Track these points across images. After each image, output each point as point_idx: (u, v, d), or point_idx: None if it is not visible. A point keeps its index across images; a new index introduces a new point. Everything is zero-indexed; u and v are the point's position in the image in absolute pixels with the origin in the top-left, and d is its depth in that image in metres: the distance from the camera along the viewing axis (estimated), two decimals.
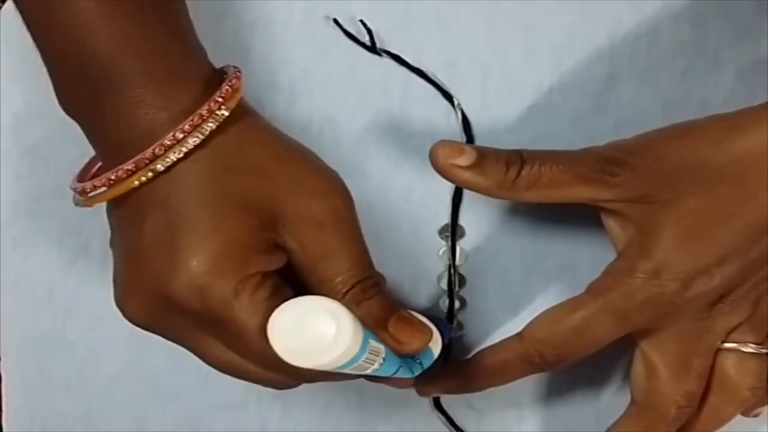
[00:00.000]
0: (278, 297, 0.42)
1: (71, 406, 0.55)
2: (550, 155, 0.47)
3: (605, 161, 0.46)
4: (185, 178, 0.42)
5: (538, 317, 0.48)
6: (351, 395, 0.54)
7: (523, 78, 0.51)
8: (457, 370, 0.50)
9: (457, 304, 0.52)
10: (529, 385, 0.53)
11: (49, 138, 0.54)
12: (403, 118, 0.52)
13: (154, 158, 0.42)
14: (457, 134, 0.52)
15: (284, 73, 0.52)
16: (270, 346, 0.38)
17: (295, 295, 0.39)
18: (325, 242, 0.44)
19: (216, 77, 0.44)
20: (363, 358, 0.40)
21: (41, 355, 0.55)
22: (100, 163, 0.47)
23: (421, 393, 0.52)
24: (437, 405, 0.54)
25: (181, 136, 0.42)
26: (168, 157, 0.42)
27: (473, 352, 0.50)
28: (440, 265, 0.52)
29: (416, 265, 0.52)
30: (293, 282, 0.45)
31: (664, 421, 0.48)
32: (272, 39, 0.52)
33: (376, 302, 0.45)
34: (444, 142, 0.47)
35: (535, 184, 0.46)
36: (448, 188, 0.52)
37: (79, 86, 0.43)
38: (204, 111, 0.42)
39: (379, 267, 0.46)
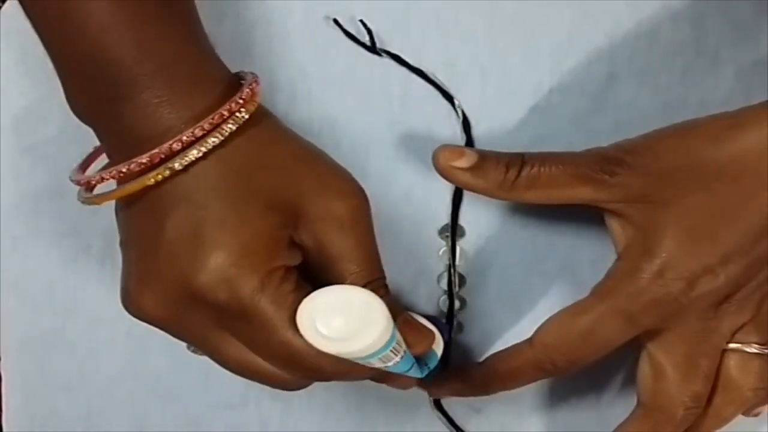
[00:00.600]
0: (302, 290, 0.43)
1: (71, 406, 0.55)
2: (550, 156, 0.47)
3: (604, 161, 0.46)
4: (209, 175, 0.42)
5: (545, 323, 0.48)
6: (351, 395, 0.54)
7: (522, 78, 0.52)
8: (468, 374, 0.50)
9: (457, 304, 0.52)
10: (529, 385, 0.53)
11: (49, 138, 0.54)
12: (403, 118, 0.52)
13: (171, 154, 0.42)
14: (457, 134, 0.52)
15: (284, 73, 0.52)
16: (294, 339, 0.40)
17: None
18: (343, 242, 0.44)
19: (234, 81, 0.45)
20: (390, 348, 0.41)
21: (41, 355, 0.55)
22: (101, 157, 0.47)
23: (432, 394, 0.52)
24: (437, 405, 0.54)
25: (200, 134, 0.42)
26: (187, 156, 0.42)
27: (478, 354, 0.51)
28: (440, 265, 0.52)
29: (416, 265, 0.52)
30: (305, 279, 0.45)
31: (672, 422, 0.48)
32: (272, 39, 0.52)
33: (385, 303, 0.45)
34: (445, 146, 0.48)
35: (535, 184, 0.47)
36: (448, 188, 0.52)
37: (97, 88, 0.43)
38: (224, 111, 0.42)
39: None
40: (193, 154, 0.42)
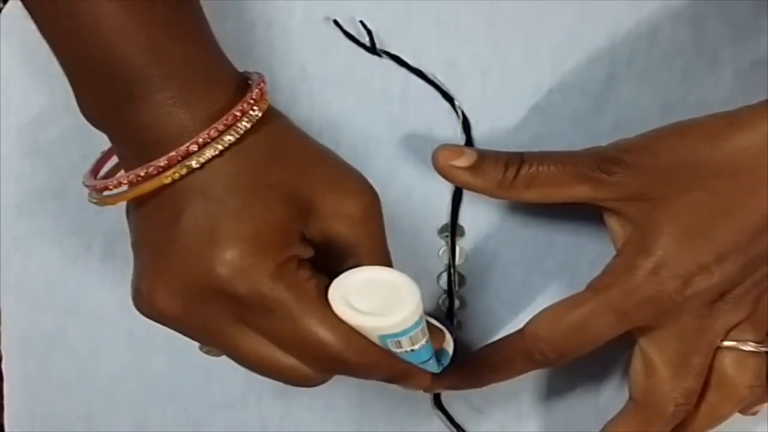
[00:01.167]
0: (319, 278, 0.43)
1: (72, 405, 0.55)
2: (549, 155, 0.47)
3: (602, 160, 0.46)
4: (224, 171, 0.43)
5: (538, 314, 0.48)
6: (351, 395, 0.54)
7: (522, 78, 0.52)
8: (459, 366, 0.50)
9: (457, 303, 0.52)
10: (529, 384, 0.53)
11: (51, 138, 0.54)
12: (403, 118, 0.52)
13: (187, 155, 0.42)
14: (457, 134, 0.52)
15: (284, 73, 0.52)
16: (318, 327, 0.42)
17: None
18: (354, 239, 0.45)
19: (242, 81, 0.45)
20: (419, 328, 0.43)
21: (42, 354, 0.55)
22: (113, 159, 0.47)
23: (425, 389, 0.52)
24: (438, 404, 0.54)
25: (215, 134, 0.42)
26: (204, 154, 0.42)
27: (475, 349, 0.51)
28: (440, 265, 0.53)
29: (416, 264, 0.52)
30: None
31: (662, 418, 0.48)
32: (272, 39, 0.52)
33: None
34: (445, 145, 0.49)
35: (534, 183, 0.47)
36: (448, 188, 0.52)
37: (109, 91, 0.43)
38: (237, 111, 0.43)
39: None
40: (210, 152, 0.42)
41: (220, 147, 0.42)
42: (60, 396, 0.55)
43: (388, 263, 0.46)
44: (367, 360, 0.44)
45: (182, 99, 0.43)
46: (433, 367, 0.47)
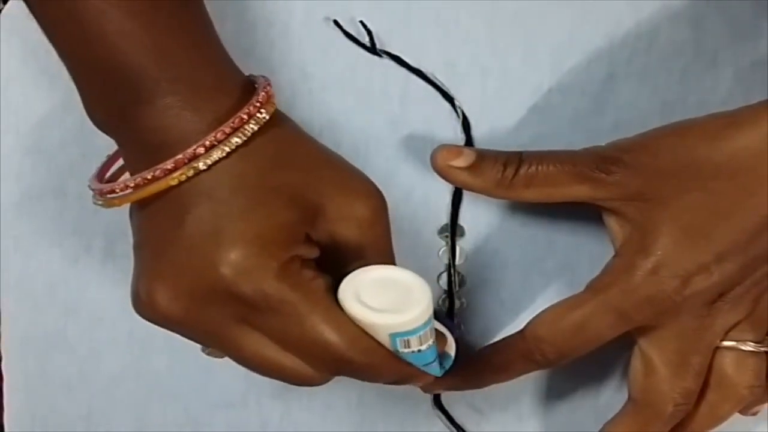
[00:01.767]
0: (323, 278, 0.43)
1: (72, 405, 0.55)
2: (548, 154, 0.48)
3: (601, 159, 0.46)
4: (231, 173, 0.43)
5: (539, 315, 0.48)
6: (351, 395, 0.54)
7: (522, 78, 0.52)
8: (459, 367, 0.50)
9: (457, 304, 0.52)
10: (529, 384, 0.53)
11: (51, 138, 0.54)
12: (403, 118, 0.52)
13: (194, 158, 0.42)
14: (457, 134, 0.52)
15: (284, 74, 0.52)
16: (323, 326, 0.42)
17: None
18: (361, 242, 0.45)
19: (249, 84, 0.45)
20: (428, 328, 0.43)
21: (42, 354, 0.55)
22: (118, 163, 0.48)
23: (425, 390, 0.52)
24: (438, 404, 0.54)
25: (221, 137, 0.42)
26: (211, 156, 0.42)
27: (475, 350, 0.51)
28: (440, 265, 0.53)
29: (416, 264, 0.52)
30: None
31: (661, 418, 0.48)
32: (272, 40, 0.52)
33: None
34: (443, 145, 0.49)
35: (533, 183, 0.47)
36: (447, 188, 0.52)
37: (117, 94, 0.43)
38: (244, 114, 0.43)
39: None
40: (218, 154, 0.42)
41: (227, 149, 0.42)
42: (60, 396, 0.55)
43: (393, 265, 0.46)
44: (372, 361, 0.44)
45: (190, 102, 0.43)
46: (435, 370, 0.47)
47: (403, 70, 0.52)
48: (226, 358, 0.46)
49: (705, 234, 0.45)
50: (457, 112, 0.52)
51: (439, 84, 0.52)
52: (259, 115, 0.43)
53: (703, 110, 0.47)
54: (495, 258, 0.52)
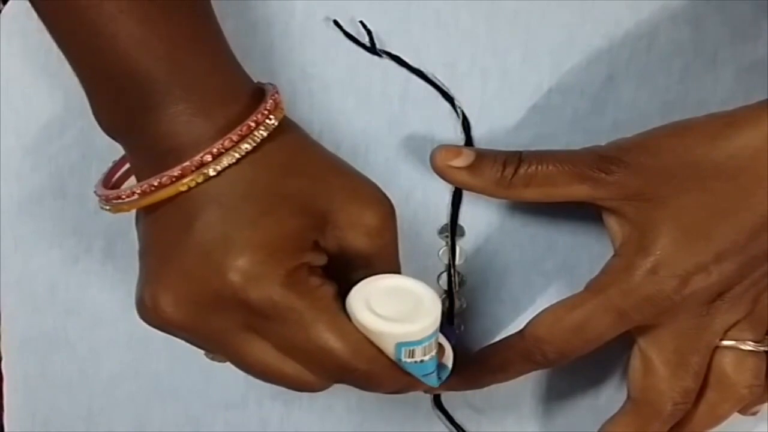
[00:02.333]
0: (329, 286, 0.43)
1: (72, 405, 0.55)
2: (547, 154, 0.48)
3: (601, 159, 0.47)
4: (240, 179, 0.43)
5: (538, 315, 0.48)
6: (351, 395, 0.54)
7: (522, 78, 0.52)
8: (459, 367, 0.50)
9: (457, 304, 0.52)
10: (529, 384, 0.53)
11: (51, 139, 0.54)
12: (403, 118, 0.52)
13: (202, 165, 0.42)
14: (457, 134, 0.52)
15: (285, 74, 0.52)
16: (328, 334, 0.42)
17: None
18: (369, 249, 0.45)
19: (257, 91, 0.45)
20: (434, 339, 0.44)
21: (42, 354, 0.55)
22: (124, 168, 0.48)
23: (425, 390, 0.52)
24: (438, 404, 0.54)
25: (229, 145, 0.42)
26: (221, 162, 0.42)
27: (475, 350, 0.51)
28: (440, 265, 0.53)
29: (416, 265, 0.52)
30: None
31: (660, 417, 0.48)
32: (272, 40, 0.52)
33: None
34: (443, 146, 0.49)
35: (532, 182, 0.47)
36: (447, 188, 0.52)
37: (128, 101, 0.43)
38: (252, 122, 0.43)
39: None
40: (228, 160, 0.42)
41: (237, 155, 0.42)
42: (60, 396, 0.55)
43: (399, 272, 0.46)
44: (374, 370, 0.44)
45: (201, 109, 0.43)
46: (433, 380, 0.47)
47: (403, 70, 0.52)
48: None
49: (704, 234, 0.45)
50: (457, 112, 0.52)
51: (439, 84, 0.52)
52: (268, 121, 0.43)
53: (703, 110, 0.47)
54: (495, 258, 0.52)
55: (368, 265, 0.45)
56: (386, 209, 0.46)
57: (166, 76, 0.43)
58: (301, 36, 0.52)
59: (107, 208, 0.45)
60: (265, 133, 0.43)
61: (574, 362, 0.48)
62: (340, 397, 0.54)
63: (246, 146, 0.43)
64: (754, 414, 0.50)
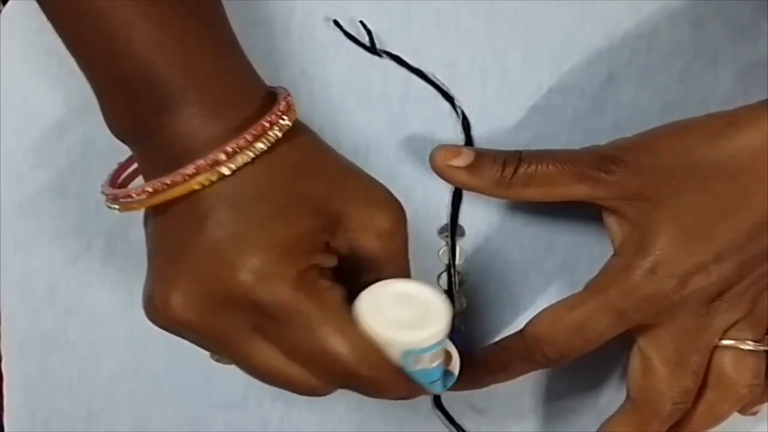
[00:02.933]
0: (339, 289, 0.43)
1: (72, 405, 0.55)
2: (547, 154, 0.48)
3: (601, 159, 0.47)
4: (254, 180, 0.43)
5: (538, 315, 0.48)
6: (351, 395, 0.54)
7: (522, 78, 0.52)
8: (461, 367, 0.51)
9: (457, 304, 0.52)
10: (529, 385, 0.53)
11: (51, 138, 0.54)
12: (403, 118, 0.52)
13: (216, 164, 0.42)
14: (457, 134, 0.52)
15: (284, 74, 0.52)
16: (335, 338, 0.42)
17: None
18: (380, 252, 0.45)
19: (269, 93, 0.45)
20: (441, 347, 0.43)
21: (42, 354, 0.55)
22: (130, 169, 0.48)
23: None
24: (438, 404, 0.54)
25: (244, 144, 0.42)
26: (236, 161, 0.42)
27: (475, 350, 0.51)
28: (440, 265, 0.53)
29: (416, 265, 0.52)
30: None
31: (659, 417, 0.48)
32: (272, 40, 0.52)
33: None
34: (442, 145, 0.49)
35: (532, 182, 0.47)
36: (447, 188, 0.52)
37: (141, 104, 0.43)
38: (265, 122, 0.43)
39: None
40: (243, 159, 0.42)
41: (252, 154, 0.42)
42: (60, 396, 0.55)
43: (408, 276, 0.46)
44: (379, 376, 0.43)
45: (216, 111, 0.43)
46: (438, 387, 0.46)
47: (403, 70, 0.52)
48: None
49: (704, 233, 0.45)
50: (457, 112, 0.52)
51: (439, 84, 0.52)
52: (281, 122, 0.43)
53: (703, 110, 0.47)
54: (495, 258, 0.52)
55: (378, 268, 0.45)
56: (398, 213, 0.46)
57: (182, 79, 0.43)
58: (301, 36, 0.52)
59: (115, 207, 0.45)
60: (279, 134, 0.43)
61: (574, 362, 0.48)
62: (340, 397, 0.54)
63: (260, 146, 0.42)
64: (753, 414, 0.50)
